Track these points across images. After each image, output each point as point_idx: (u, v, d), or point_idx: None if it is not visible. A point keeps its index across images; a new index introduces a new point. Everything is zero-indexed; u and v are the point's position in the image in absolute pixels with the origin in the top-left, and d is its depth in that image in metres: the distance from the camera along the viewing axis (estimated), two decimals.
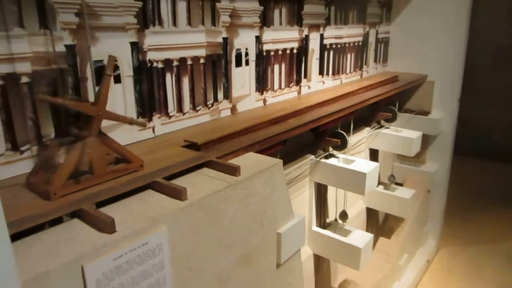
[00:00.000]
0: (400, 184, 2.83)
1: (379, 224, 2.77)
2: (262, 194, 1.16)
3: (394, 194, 2.39)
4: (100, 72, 1.15)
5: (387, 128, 2.42)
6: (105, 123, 0.97)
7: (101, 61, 1.15)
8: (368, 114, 2.43)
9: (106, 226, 0.81)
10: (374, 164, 1.81)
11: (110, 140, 0.97)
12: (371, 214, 2.64)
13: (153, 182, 1.01)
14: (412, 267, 2.67)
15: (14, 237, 0.78)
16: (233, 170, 1.10)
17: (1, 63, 0.96)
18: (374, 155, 2.51)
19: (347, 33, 2.33)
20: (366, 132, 2.39)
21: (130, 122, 1.01)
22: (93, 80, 1.07)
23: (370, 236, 1.93)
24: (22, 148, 1.03)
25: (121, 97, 1.23)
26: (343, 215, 2.02)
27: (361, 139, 2.37)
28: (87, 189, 0.91)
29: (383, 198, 2.44)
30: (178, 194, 0.95)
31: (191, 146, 1.22)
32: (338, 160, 1.89)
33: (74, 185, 0.90)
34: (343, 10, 2.24)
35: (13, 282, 0.59)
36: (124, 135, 1.24)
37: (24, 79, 1.00)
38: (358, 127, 2.39)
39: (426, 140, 2.84)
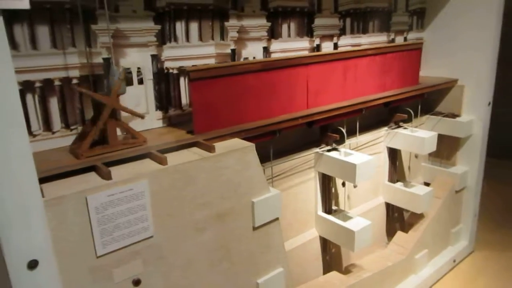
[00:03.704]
0: (428, 184, 2.94)
1: (401, 220, 2.91)
2: (235, 169, 1.53)
3: (409, 190, 2.55)
4: (127, 77, 1.63)
5: (405, 128, 2.58)
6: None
7: (129, 68, 1.63)
8: (387, 115, 2.63)
9: (106, 175, 1.26)
10: (367, 158, 2.05)
11: (121, 122, 1.42)
12: (392, 209, 2.81)
13: (150, 153, 1.45)
14: (433, 263, 2.76)
15: (54, 178, 1.26)
16: (210, 148, 1.49)
17: (60, 70, 1.47)
18: (393, 153, 2.68)
19: (366, 41, 2.57)
20: (383, 131, 2.59)
21: (131, 112, 1.45)
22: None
23: (367, 222, 2.17)
24: (72, 127, 1.54)
25: (144, 94, 1.70)
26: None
27: (378, 137, 2.58)
28: (104, 154, 1.38)
29: (400, 194, 2.62)
30: (161, 160, 1.37)
31: (190, 132, 1.64)
32: (339, 153, 2.16)
33: (95, 150, 1.37)
34: (361, 21, 2.49)
35: (38, 200, 1.06)
36: (147, 122, 1.71)
37: (74, 81, 1.51)
38: (377, 127, 2.61)
39: (457, 143, 2.91)
